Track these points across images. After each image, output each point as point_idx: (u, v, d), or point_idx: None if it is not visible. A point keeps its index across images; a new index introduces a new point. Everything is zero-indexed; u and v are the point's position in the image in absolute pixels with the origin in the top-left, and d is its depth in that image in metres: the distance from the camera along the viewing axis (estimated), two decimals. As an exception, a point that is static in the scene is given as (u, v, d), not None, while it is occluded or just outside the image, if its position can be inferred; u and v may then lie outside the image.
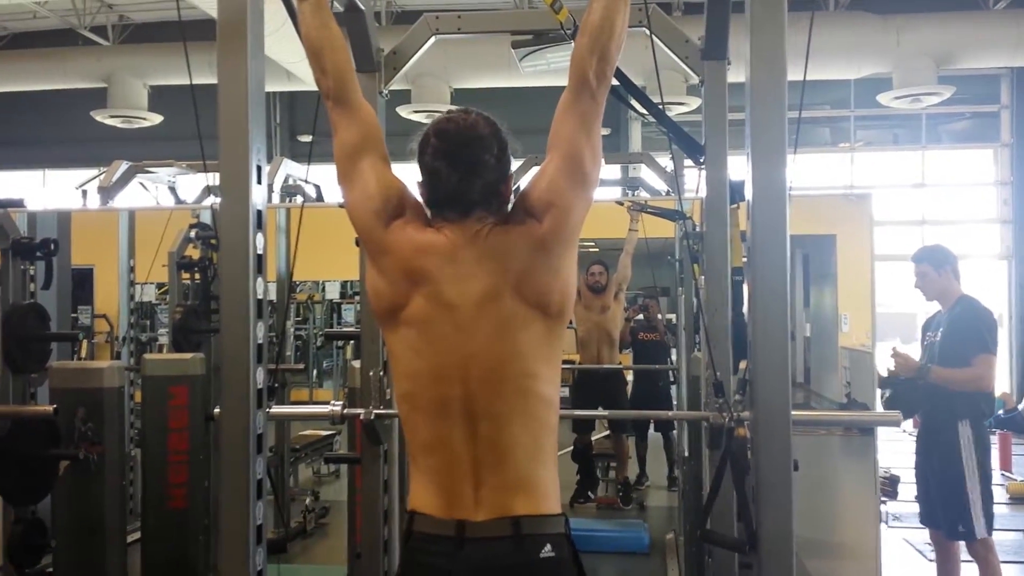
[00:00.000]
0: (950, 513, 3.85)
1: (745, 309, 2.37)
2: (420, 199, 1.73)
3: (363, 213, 1.72)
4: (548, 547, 1.61)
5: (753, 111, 1.94)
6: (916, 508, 4.14)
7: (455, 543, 1.60)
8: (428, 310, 1.64)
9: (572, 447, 6.29)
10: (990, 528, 3.81)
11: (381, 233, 1.70)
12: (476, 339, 1.62)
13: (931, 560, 4.56)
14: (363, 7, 2.69)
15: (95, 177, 6.15)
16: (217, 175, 2.08)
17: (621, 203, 5.85)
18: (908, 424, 8.52)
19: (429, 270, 1.64)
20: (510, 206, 1.72)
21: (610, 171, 7.52)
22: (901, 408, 2.85)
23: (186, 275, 5.21)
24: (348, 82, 1.83)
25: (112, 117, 10.14)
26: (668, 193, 6.10)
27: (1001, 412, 9.24)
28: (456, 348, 1.62)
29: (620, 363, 6.54)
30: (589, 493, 6.36)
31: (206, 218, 5.26)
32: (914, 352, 4.13)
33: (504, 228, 1.67)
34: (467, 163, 1.64)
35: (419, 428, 1.68)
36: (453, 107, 1.73)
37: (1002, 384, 10.39)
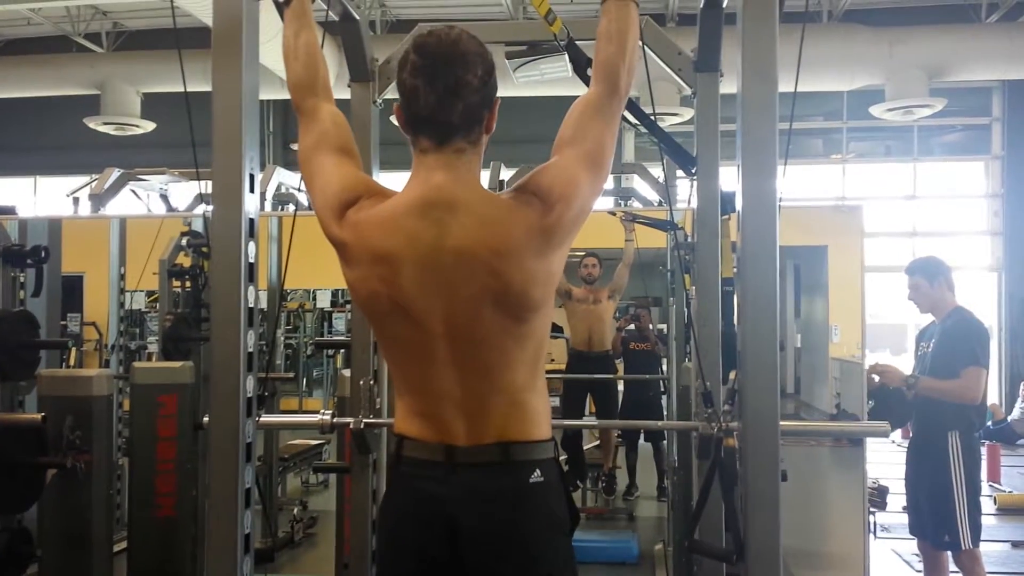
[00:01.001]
0: (937, 523, 3.87)
1: (735, 319, 2.37)
2: (398, 121, 1.64)
3: (320, 213, 1.67)
4: (538, 472, 1.61)
5: (744, 123, 1.95)
6: (904, 519, 4.15)
7: (446, 468, 1.60)
8: (404, 272, 1.57)
9: (562, 434, 6.29)
10: (976, 539, 3.81)
11: (336, 229, 1.63)
12: (459, 288, 1.56)
13: (918, 571, 4.56)
14: (357, 16, 2.69)
15: (86, 184, 6.15)
16: (209, 183, 2.07)
17: (614, 213, 5.87)
18: (897, 435, 8.56)
19: (396, 238, 1.57)
20: (515, 186, 1.65)
21: (603, 181, 7.54)
22: (888, 418, 2.85)
23: (176, 283, 5.19)
24: (306, 91, 1.82)
25: (105, 124, 10.11)
26: (661, 203, 6.12)
27: (990, 424, 9.26)
28: (437, 294, 1.56)
29: (610, 351, 6.56)
30: (578, 483, 6.37)
31: (198, 226, 5.25)
32: (907, 362, 4.15)
33: (507, 199, 1.60)
34: (447, 82, 1.54)
35: (404, 370, 1.66)
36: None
37: (991, 396, 10.42)
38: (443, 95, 1.54)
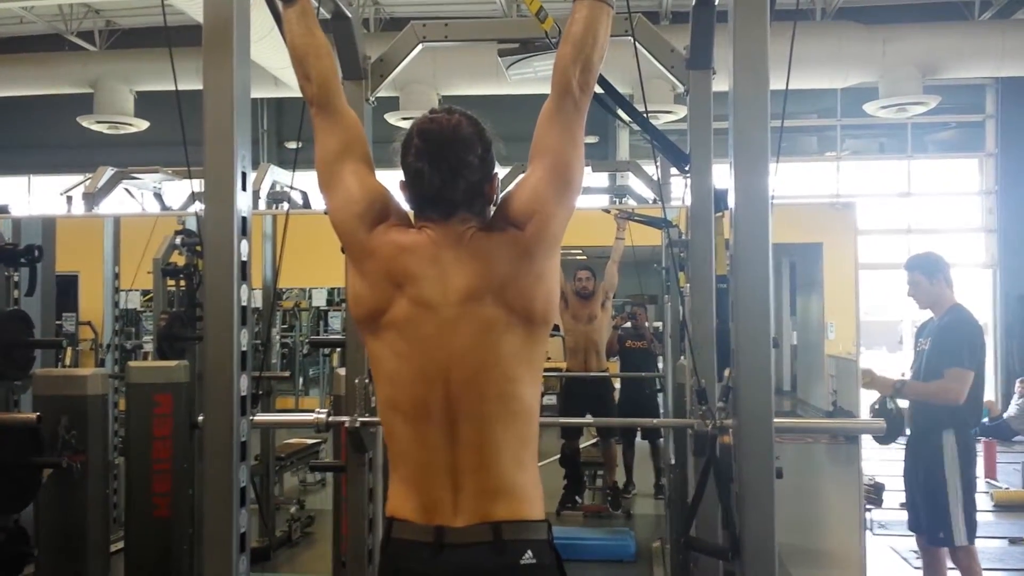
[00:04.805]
0: (932, 519, 3.88)
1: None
2: (403, 201, 1.73)
3: (345, 217, 1.72)
4: (529, 553, 1.59)
5: (736, 120, 1.95)
6: (901, 516, 4.15)
7: (434, 549, 1.59)
8: (409, 312, 1.64)
9: (560, 453, 6.30)
10: (972, 536, 3.82)
11: (364, 237, 1.69)
12: (458, 341, 1.62)
13: (916, 567, 4.57)
14: (350, 14, 2.69)
15: (80, 183, 6.12)
16: (203, 181, 2.07)
17: (608, 211, 5.87)
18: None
19: (411, 272, 1.64)
20: (492, 213, 1.72)
21: (597, 179, 7.52)
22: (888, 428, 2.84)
23: (171, 282, 5.18)
24: (331, 89, 1.83)
25: (98, 123, 10.08)
26: (655, 201, 6.13)
27: (986, 420, 9.28)
28: (437, 350, 1.62)
29: (607, 370, 6.56)
30: (576, 498, 6.37)
31: (192, 225, 5.23)
32: (903, 359, 4.15)
33: (487, 235, 1.67)
34: (450, 164, 1.63)
35: (399, 432, 1.67)
36: (437, 106, 1.72)
37: (987, 392, 10.44)
38: (446, 175, 1.64)
